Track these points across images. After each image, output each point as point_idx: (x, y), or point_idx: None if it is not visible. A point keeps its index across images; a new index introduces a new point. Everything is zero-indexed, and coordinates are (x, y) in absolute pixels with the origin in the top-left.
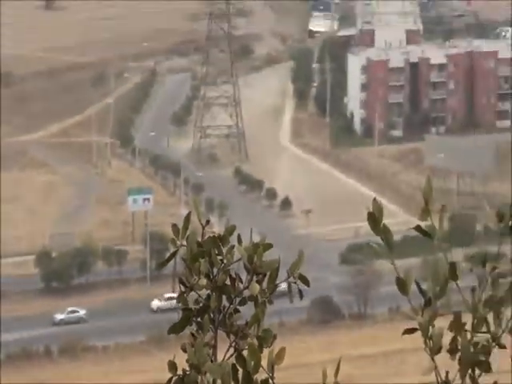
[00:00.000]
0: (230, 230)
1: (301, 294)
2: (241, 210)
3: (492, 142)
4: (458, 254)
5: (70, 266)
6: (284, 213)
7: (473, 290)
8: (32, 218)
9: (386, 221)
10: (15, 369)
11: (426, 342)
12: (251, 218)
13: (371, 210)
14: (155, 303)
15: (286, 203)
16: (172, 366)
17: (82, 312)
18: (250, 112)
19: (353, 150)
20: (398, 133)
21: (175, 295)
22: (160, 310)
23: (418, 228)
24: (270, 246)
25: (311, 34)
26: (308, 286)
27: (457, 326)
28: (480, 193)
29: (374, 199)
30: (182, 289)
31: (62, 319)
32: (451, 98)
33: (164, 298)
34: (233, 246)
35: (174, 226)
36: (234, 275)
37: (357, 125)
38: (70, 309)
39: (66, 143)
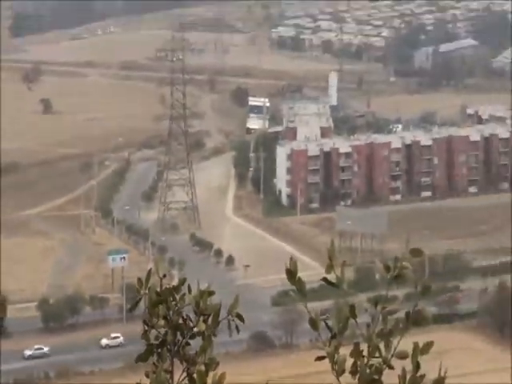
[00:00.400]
0: (182, 282)
1: (237, 330)
2: (195, 266)
3: (386, 212)
4: (362, 297)
5: (64, 310)
6: (228, 267)
7: (368, 325)
8: (33, 274)
9: (306, 273)
10: None
11: (332, 367)
12: (203, 271)
13: (288, 266)
14: (104, 341)
15: (230, 260)
16: None
17: (46, 349)
18: (202, 191)
19: (281, 219)
20: (315, 205)
21: (118, 334)
22: (108, 347)
23: (324, 279)
24: (212, 292)
25: (248, 130)
26: (243, 322)
27: (356, 353)
28: (377, 250)
29: (291, 258)
30: (146, 328)
31: (30, 354)
32: (355, 178)
33: (110, 337)
34: (184, 294)
35: (139, 279)
36: (185, 316)
37: (284, 199)
38: (36, 346)
39: (59, 216)
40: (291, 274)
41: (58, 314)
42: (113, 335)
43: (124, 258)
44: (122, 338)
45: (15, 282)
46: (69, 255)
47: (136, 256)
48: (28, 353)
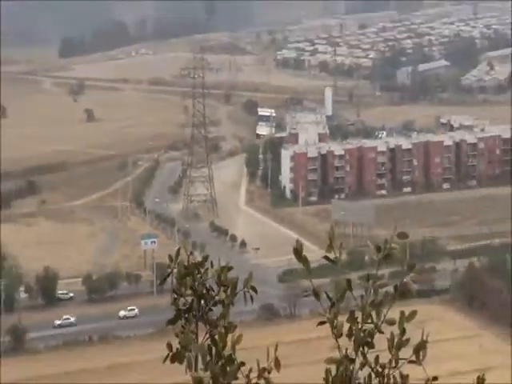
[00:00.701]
0: (205, 258)
1: (252, 300)
2: (214, 248)
3: (373, 204)
4: (353, 275)
5: (104, 284)
6: (241, 250)
7: (362, 296)
8: (79, 254)
9: (307, 254)
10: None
11: (332, 331)
12: (220, 253)
13: (295, 247)
14: (121, 313)
15: (243, 244)
16: (169, 346)
17: (72, 319)
18: (219, 186)
19: (285, 210)
20: (314, 198)
21: (134, 307)
22: (124, 317)
23: (326, 257)
24: (231, 268)
25: (258, 136)
26: (256, 293)
27: (352, 319)
28: (367, 236)
29: (297, 240)
30: (175, 296)
31: (59, 324)
32: (348, 176)
33: (127, 310)
34: (207, 269)
35: (170, 256)
36: (208, 287)
37: (288, 193)
38: (64, 316)
39: (100, 206)
40: (298, 253)
41: (100, 288)
42: (129, 308)
43: (154, 241)
44: (136, 310)
45: (64, 261)
46: (108, 239)
47: (164, 240)
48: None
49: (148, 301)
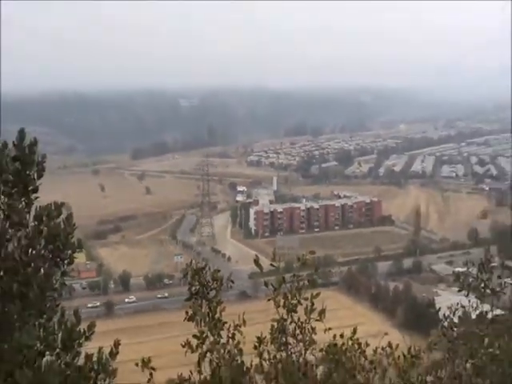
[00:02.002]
0: (205, 265)
1: (231, 287)
2: (212, 261)
3: (298, 237)
4: (287, 275)
5: (156, 280)
6: (228, 261)
7: (290, 285)
8: (140, 265)
9: (262, 263)
10: None
11: (275, 304)
12: (216, 263)
13: (255, 259)
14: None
15: (229, 258)
16: (186, 313)
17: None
18: (216, 228)
19: (251, 240)
20: (267, 234)
21: (165, 293)
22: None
23: (271, 265)
24: (219, 270)
25: (237, 201)
26: (233, 283)
27: (284, 297)
28: (294, 254)
29: (256, 255)
30: (190, 285)
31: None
32: (285, 222)
33: (162, 294)
34: (206, 271)
35: (187, 264)
36: (207, 280)
37: (253, 232)
38: (130, 297)
39: (153, 239)
40: (256, 262)
41: (154, 282)
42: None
43: (181, 257)
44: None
45: (134, 267)
46: (157, 256)
47: (187, 257)
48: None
49: (178, 289)
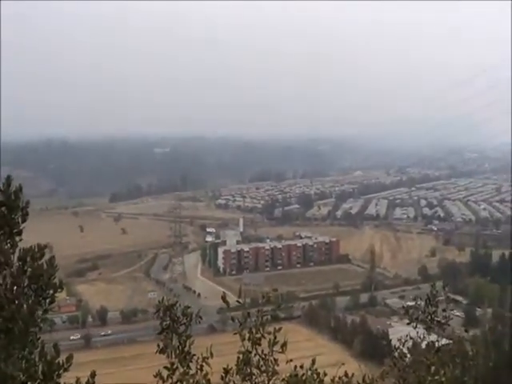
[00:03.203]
0: (176, 302)
1: (200, 322)
2: (184, 297)
3: (263, 275)
4: (252, 310)
5: (130, 314)
6: (198, 297)
7: (255, 320)
8: (118, 300)
9: (229, 299)
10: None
11: (240, 337)
12: (186, 299)
13: (222, 296)
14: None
15: (199, 295)
16: (158, 346)
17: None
18: (187, 266)
19: (220, 278)
20: (234, 272)
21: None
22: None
23: (237, 301)
24: (189, 307)
25: (206, 242)
26: (202, 319)
27: (250, 332)
28: (259, 290)
29: (223, 292)
30: (161, 320)
31: (103, 334)
32: (250, 261)
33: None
34: (177, 307)
35: (159, 301)
36: (178, 316)
37: (221, 270)
38: (103, 332)
39: (128, 276)
40: (224, 299)
41: (129, 316)
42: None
43: (155, 293)
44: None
45: (110, 302)
46: (132, 292)
47: (160, 293)
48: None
49: (152, 323)
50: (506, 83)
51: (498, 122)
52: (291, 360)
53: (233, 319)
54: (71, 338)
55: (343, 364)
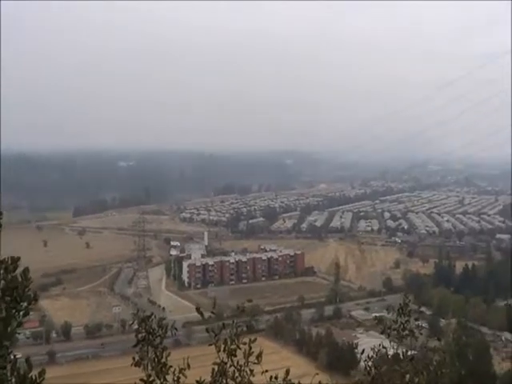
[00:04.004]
0: (151, 315)
1: (175, 334)
2: (149, 313)
3: (228, 288)
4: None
5: (94, 330)
6: (164, 312)
7: (230, 332)
8: (82, 314)
9: (195, 313)
10: None
11: (216, 348)
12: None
13: (197, 307)
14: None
15: (163, 308)
16: (133, 359)
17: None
18: (151, 280)
19: (185, 292)
20: (199, 286)
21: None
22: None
23: (208, 314)
24: (164, 318)
25: (171, 255)
26: (177, 330)
27: (225, 343)
28: (224, 304)
29: (197, 304)
30: (137, 332)
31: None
32: (215, 275)
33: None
34: (152, 319)
35: (133, 313)
36: (152, 328)
37: (186, 284)
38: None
39: (93, 291)
40: (198, 310)
41: (93, 331)
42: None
43: (119, 308)
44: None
45: (74, 318)
46: (97, 307)
47: (125, 308)
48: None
49: (117, 337)
50: (468, 98)
51: (461, 136)
52: (266, 371)
53: (208, 330)
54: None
55: (317, 374)
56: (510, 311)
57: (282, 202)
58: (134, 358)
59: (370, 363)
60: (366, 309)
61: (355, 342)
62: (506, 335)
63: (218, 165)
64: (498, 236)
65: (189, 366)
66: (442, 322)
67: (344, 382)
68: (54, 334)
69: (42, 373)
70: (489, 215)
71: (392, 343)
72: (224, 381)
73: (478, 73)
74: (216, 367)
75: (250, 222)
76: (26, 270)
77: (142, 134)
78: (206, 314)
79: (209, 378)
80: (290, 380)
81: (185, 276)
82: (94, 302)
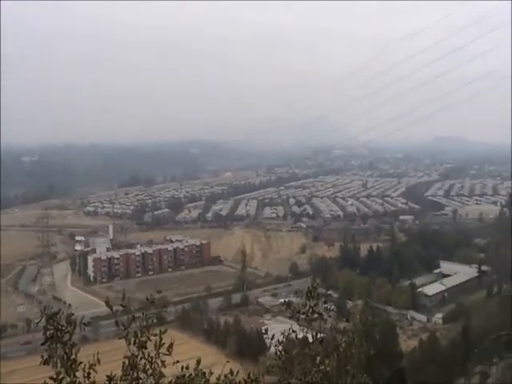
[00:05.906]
0: (58, 311)
1: (85, 329)
2: (54, 310)
3: (134, 281)
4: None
5: None
6: (69, 308)
7: (141, 324)
8: None
9: (103, 308)
10: None
11: (126, 342)
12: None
13: (106, 300)
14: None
15: (69, 305)
16: (42, 357)
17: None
18: (57, 276)
19: (90, 287)
20: (105, 280)
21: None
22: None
23: (112, 307)
24: (72, 314)
25: (76, 251)
26: (86, 325)
27: (142, 332)
28: (132, 297)
29: (107, 297)
30: (46, 329)
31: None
32: (121, 268)
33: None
34: (60, 316)
35: (41, 310)
36: (60, 325)
37: (92, 278)
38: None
39: None
40: (107, 304)
41: None
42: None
43: (23, 307)
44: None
45: None
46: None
47: (29, 306)
48: None
49: (22, 337)
50: (374, 82)
51: (364, 121)
52: (178, 361)
53: (117, 324)
54: None
55: (228, 362)
56: (414, 290)
57: (187, 192)
58: (42, 357)
59: (280, 348)
60: (274, 295)
61: (264, 328)
62: (411, 313)
63: (125, 158)
64: (401, 217)
65: (99, 361)
66: (349, 303)
67: (254, 369)
68: None
69: None
70: (392, 197)
71: (301, 327)
72: (135, 374)
73: (382, 58)
74: (127, 361)
75: (155, 213)
76: None
77: (45, 128)
78: (115, 308)
79: (120, 372)
80: (201, 369)
81: (90, 271)
82: None
